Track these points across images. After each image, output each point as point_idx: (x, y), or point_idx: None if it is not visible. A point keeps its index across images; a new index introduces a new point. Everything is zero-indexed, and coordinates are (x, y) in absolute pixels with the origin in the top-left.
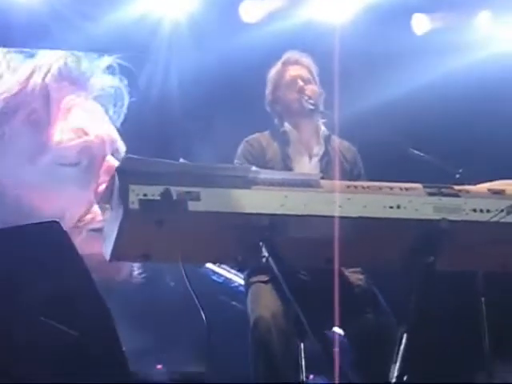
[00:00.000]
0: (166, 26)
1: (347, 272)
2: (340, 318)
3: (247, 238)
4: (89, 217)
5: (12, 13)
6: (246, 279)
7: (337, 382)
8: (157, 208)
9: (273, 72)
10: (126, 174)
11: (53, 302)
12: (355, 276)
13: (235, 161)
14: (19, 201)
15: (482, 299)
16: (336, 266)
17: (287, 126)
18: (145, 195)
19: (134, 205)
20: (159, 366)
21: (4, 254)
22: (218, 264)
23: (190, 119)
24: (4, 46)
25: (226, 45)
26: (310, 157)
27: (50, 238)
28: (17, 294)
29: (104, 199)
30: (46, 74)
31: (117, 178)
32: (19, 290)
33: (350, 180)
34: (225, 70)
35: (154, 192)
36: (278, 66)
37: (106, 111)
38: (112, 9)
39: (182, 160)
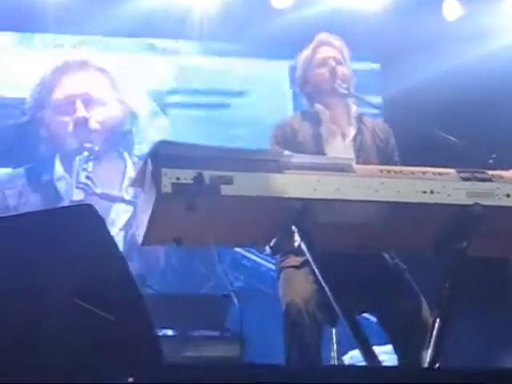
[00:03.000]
0: (196, 12)
1: (382, 256)
2: (373, 303)
3: (280, 222)
4: None
5: None
6: (278, 263)
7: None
8: (189, 192)
9: (304, 53)
10: (158, 158)
11: (86, 287)
12: (390, 261)
13: (268, 147)
14: None
15: None
16: (369, 251)
17: (318, 106)
18: (177, 179)
19: (167, 188)
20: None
21: (36, 238)
22: (247, 248)
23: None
24: (29, 31)
25: (255, 31)
26: (343, 137)
27: (82, 222)
28: (48, 279)
29: (136, 183)
30: None
31: (149, 162)
32: (50, 275)
33: (383, 158)
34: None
35: (186, 176)
36: (310, 47)
37: None
38: None
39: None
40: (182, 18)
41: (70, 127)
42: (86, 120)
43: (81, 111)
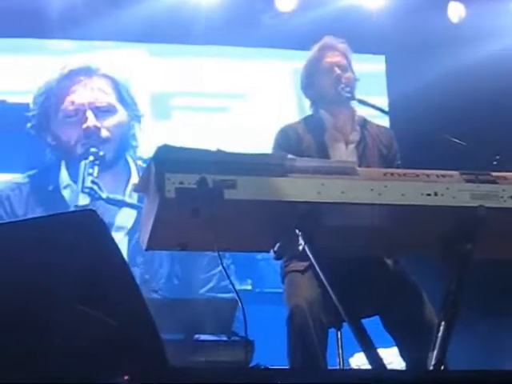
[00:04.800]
0: (200, 16)
1: (387, 260)
2: (378, 306)
3: (284, 226)
4: None
5: (43, 2)
6: (283, 268)
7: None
8: (193, 196)
9: (309, 57)
10: (162, 163)
11: (89, 292)
12: (395, 264)
13: (271, 150)
14: None
15: None
16: (373, 254)
17: (323, 112)
18: (181, 183)
19: (171, 193)
20: None
21: (39, 244)
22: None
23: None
24: (30, 36)
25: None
26: (347, 143)
27: (86, 227)
28: (52, 284)
29: (140, 187)
30: None
31: (153, 167)
32: (54, 281)
33: (386, 163)
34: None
35: (190, 180)
36: (315, 51)
37: None
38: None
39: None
40: (186, 21)
41: (81, 137)
42: (97, 129)
43: (91, 120)
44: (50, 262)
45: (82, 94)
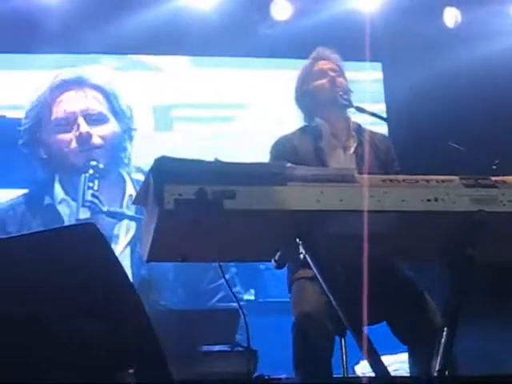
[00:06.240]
0: (197, 27)
1: (392, 266)
2: (387, 312)
3: (284, 234)
4: None
5: (37, 15)
6: (290, 275)
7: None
8: (192, 207)
9: (301, 68)
10: (160, 174)
11: (90, 305)
12: (398, 269)
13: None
14: None
15: None
16: (376, 261)
17: (318, 120)
18: (180, 195)
19: (170, 205)
20: None
21: (41, 258)
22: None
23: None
24: (28, 52)
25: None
26: (344, 149)
27: (86, 241)
28: (54, 298)
29: (139, 200)
30: None
31: (151, 178)
32: (56, 295)
33: (384, 170)
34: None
35: (189, 191)
36: (307, 61)
37: None
38: (136, 9)
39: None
40: (182, 33)
41: (73, 144)
42: (89, 135)
43: (83, 127)
44: (52, 276)
45: (73, 102)
